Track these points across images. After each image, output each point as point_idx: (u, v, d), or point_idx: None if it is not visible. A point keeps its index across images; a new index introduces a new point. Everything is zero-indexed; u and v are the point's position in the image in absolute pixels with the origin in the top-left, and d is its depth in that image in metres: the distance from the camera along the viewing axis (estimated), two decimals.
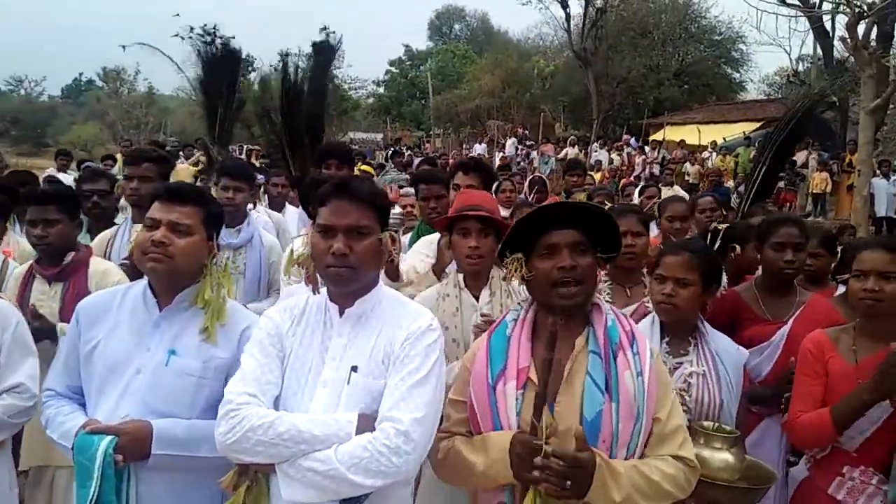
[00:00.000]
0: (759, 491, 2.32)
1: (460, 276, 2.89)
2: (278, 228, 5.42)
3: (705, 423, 2.35)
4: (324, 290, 2.08)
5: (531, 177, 9.76)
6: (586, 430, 1.80)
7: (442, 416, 2.05)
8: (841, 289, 3.87)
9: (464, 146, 27.88)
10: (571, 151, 20.77)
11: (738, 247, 3.94)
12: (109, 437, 1.97)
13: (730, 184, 15.78)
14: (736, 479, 2.24)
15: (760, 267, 3.35)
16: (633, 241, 3.13)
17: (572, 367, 1.91)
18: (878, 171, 13.89)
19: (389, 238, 2.07)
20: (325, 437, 1.83)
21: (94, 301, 2.29)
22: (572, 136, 23.77)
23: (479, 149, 24.98)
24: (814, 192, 15.98)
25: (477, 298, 2.84)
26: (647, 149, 20.92)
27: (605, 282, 3.20)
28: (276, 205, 6.12)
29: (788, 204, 16.19)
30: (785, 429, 2.74)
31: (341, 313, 2.03)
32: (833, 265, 3.90)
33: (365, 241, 1.96)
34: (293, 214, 5.89)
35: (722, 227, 4.48)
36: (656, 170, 18.51)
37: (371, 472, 1.80)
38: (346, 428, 1.85)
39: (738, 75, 34.30)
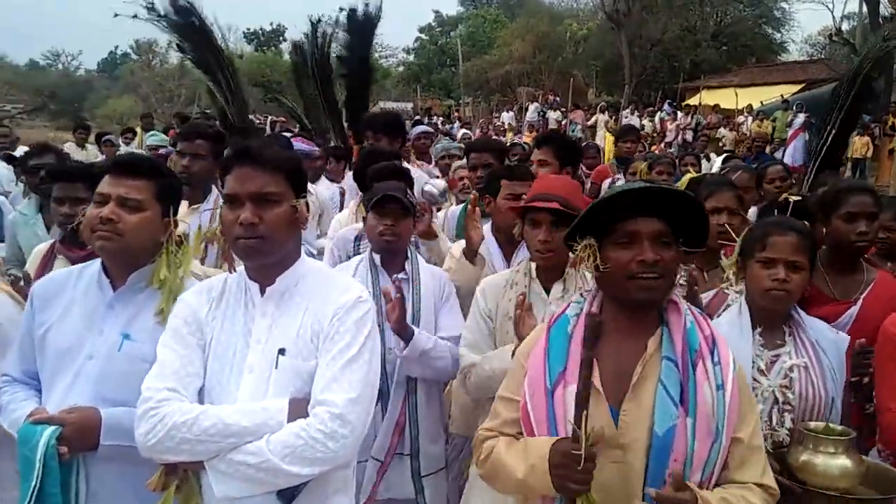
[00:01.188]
0: (890, 501, 2.04)
1: (532, 264, 2.67)
2: (323, 207, 5.26)
3: (811, 425, 2.08)
4: (241, 267, 1.95)
5: (585, 143, 9.49)
6: (656, 446, 1.63)
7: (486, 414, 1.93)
8: None
9: (493, 114, 27.43)
10: (602, 118, 20.28)
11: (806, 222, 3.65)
12: (53, 427, 1.85)
13: (768, 150, 15.18)
14: (855, 484, 1.99)
15: (827, 241, 3.00)
16: (729, 220, 2.88)
17: (642, 373, 1.69)
18: None
19: (305, 204, 1.91)
20: (255, 428, 1.71)
21: (49, 281, 2.18)
22: (602, 103, 23.21)
23: (507, 117, 24.56)
24: (853, 156, 15.32)
25: (548, 291, 2.61)
26: (679, 114, 20.27)
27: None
28: (312, 177, 5.91)
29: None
30: (880, 426, 2.41)
31: (262, 292, 1.89)
32: None
33: (275, 208, 1.82)
34: (327, 189, 5.72)
35: (793, 198, 4.14)
36: (689, 136, 17.95)
37: (307, 461, 1.70)
38: (277, 416, 1.74)
39: (778, 35, 33.13)
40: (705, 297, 2.75)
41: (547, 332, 1.84)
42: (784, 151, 16.15)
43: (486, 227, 3.27)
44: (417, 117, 19.67)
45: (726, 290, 2.64)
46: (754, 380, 2.22)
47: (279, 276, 1.88)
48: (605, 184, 6.44)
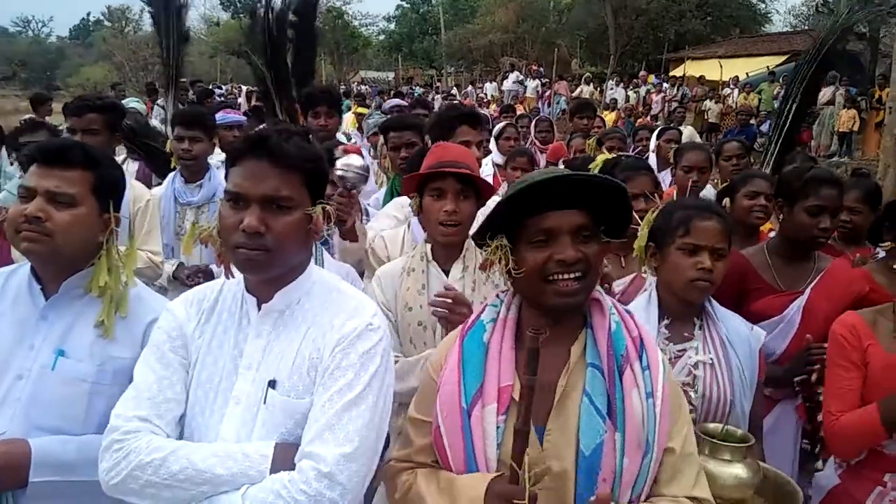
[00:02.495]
0: None
1: (428, 246, 2.42)
2: None
3: (710, 427, 1.92)
4: (241, 275, 1.64)
5: (537, 117, 9.12)
6: (583, 467, 1.44)
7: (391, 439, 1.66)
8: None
9: (476, 84, 26.97)
10: (586, 89, 19.99)
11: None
12: None
13: (753, 122, 15.00)
14: (750, 495, 1.82)
15: (782, 228, 2.84)
16: (645, 206, 2.62)
17: (566, 385, 1.50)
18: None
19: (323, 212, 1.60)
20: (231, 477, 1.44)
21: None
22: (587, 74, 22.87)
23: (490, 88, 24.14)
24: (840, 130, 15.17)
25: (447, 273, 2.36)
26: (665, 86, 19.99)
27: None
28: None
29: (805, 143, 15.45)
30: (825, 434, 2.29)
31: (260, 307, 1.60)
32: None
33: (286, 216, 1.52)
34: None
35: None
36: (671, 108, 17.70)
37: None
38: (259, 464, 1.45)
39: (763, 6, 32.80)
40: (622, 283, 2.56)
41: (460, 342, 1.61)
42: (769, 124, 15.98)
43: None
44: (400, 89, 19.22)
45: (644, 276, 2.46)
46: None
47: (279, 290, 1.59)
48: (561, 163, 6.15)
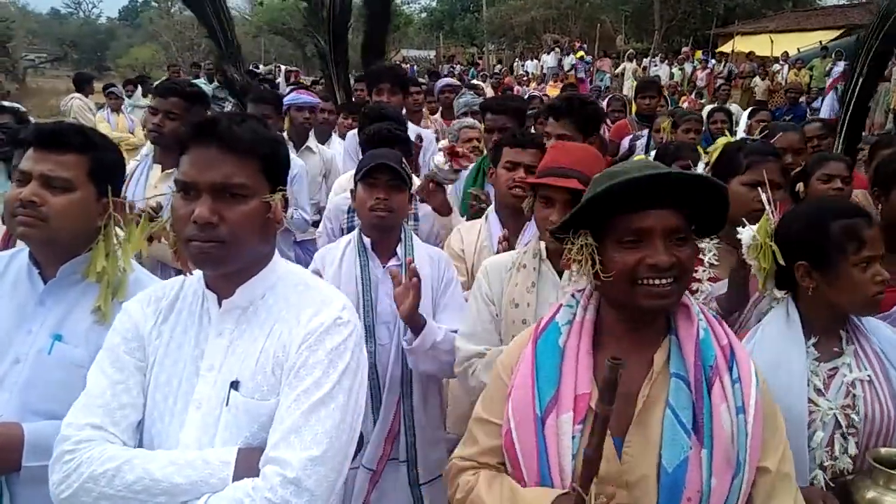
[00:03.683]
0: None
1: (542, 243, 2.32)
2: (327, 167, 5.00)
3: (883, 452, 1.72)
4: (200, 271, 1.56)
5: (610, 95, 8.91)
6: (666, 484, 1.35)
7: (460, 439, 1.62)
8: None
9: (516, 62, 26.60)
10: (629, 66, 19.52)
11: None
12: None
13: (802, 100, 14.44)
14: None
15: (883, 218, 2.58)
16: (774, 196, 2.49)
17: (649, 395, 1.41)
18: None
19: (282, 200, 1.51)
20: (191, 486, 1.35)
21: None
22: (630, 50, 22.31)
23: (531, 66, 23.76)
24: (894, 108, 14.51)
25: (560, 275, 2.26)
26: (712, 62, 19.40)
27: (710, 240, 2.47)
28: (322, 135, 5.61)
29: None
30: None
31: (221, 304, 1.52)
32: None
33: (241, 205, 1.42)
34: (340, 147, 5.35)
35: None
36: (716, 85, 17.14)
37: None
38: (220, 472, 1.37)
39: None
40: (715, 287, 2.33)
41: (533, 345, 1.52)
42: (821, 102, 15.40)
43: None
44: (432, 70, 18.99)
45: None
46: (811, 402, 1.85)
47: (241, 285, 1.50)
48: (625, 141, 6.02)
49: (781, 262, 1.96)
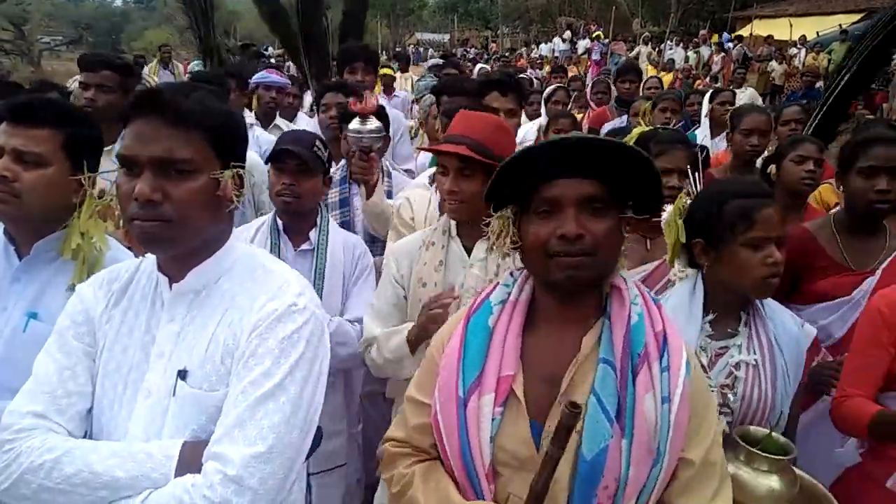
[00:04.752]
0: None
1: (452, 221, 2.25)
2: None
3: (751, 431, 1.75)
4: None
5: (594, 78, 8.77)
6: (583, 472, 1.30)
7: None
8: None
9: (531, 46, 26.37)
10: (644, 50, 19.24)
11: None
12: None
13: (819, 85, 14.18)
14: None
15: (844, 201, 2.62)
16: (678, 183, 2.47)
17: (573, 380, 1.36)
18: None
19: (234, 177, 1.41)
20: (132, 480, 1.27)
21: None
22: (645, 34, 22.01)
23: (545, 49, 23.53)
24: None
25: (468, 252, 2.19)
26: (729, 45, 19.09)
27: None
28: (287, 115, 5.54)
29: (878, 106, 14.57)
30: (831, 409, 2.12)
31: (172, 288, 1.43)
32: None
33: (188, 182, 1.32)
34: (303, 123, 5.31)
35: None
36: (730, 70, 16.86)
37: None
38: (162, 466, 1.28)
39: None
40: (640, 270, 2.33)
41: (464, 323, 1.46)
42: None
43: None
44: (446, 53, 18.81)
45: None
46: None
47: (194, 268, 1.41)
48: (605, 128, 5.86)
49: (683, 239, 1.99)
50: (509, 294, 1.47)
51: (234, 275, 1.44)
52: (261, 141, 4.35)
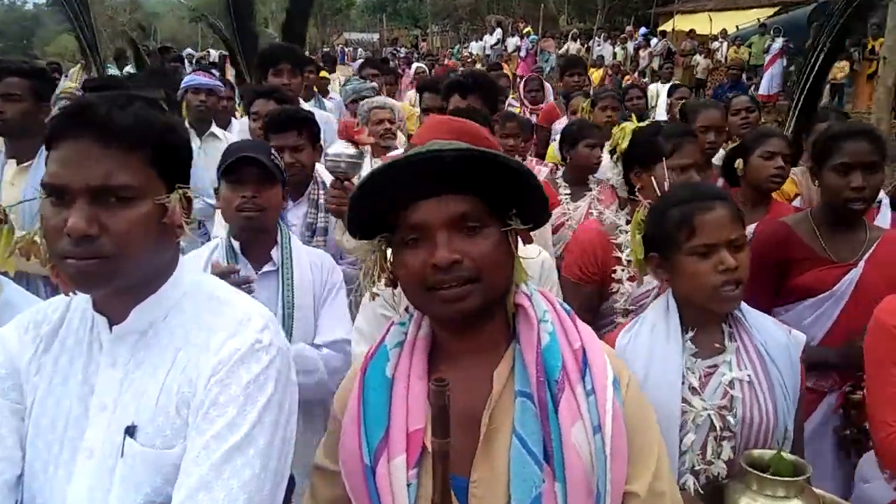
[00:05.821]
0: None
1: None
2: None
3: (755, 454, 1.58)
4: None
5: (526, 76, 8.72)
6: None
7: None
8: (885, 213, 3.06)
9: (462, 44, 26.38)
10: (573, 47, 19.50)
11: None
12: None
13: (743, 78, 14.61)
14: None
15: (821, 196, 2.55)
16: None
17: (492, 420, 1.17)
18: None
19: (182, 199, 1.23)
20: None
21: None
22: (574, 30, 22.31)
23: (476, 47, 23.57)
24: (832, 80, 14.80)
25: None
26: (654, 41, 19.50)
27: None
28: (220, 120, 5.27)
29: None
30: (878, 447, 1.90)
31: (113, 330, 1.24)
32: None
33: (128, 210, 1.14)
34: (237, 129, 5.07)
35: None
36: (656, 64, 17.25)
37: None
38: None
39: None
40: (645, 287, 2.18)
41: (360, 377, 1.24)
42: (761, 78, 15.63)
43: None
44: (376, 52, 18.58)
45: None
46: (685, 401, 1.70)
47: (137, 306, 1.22)
48: (557, 125, 5.79)
49: (640, 255, 1.88)
50: (406, 334, 1.27)
51: (185, 310, 1.25)
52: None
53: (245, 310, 1.26)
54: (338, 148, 2.68)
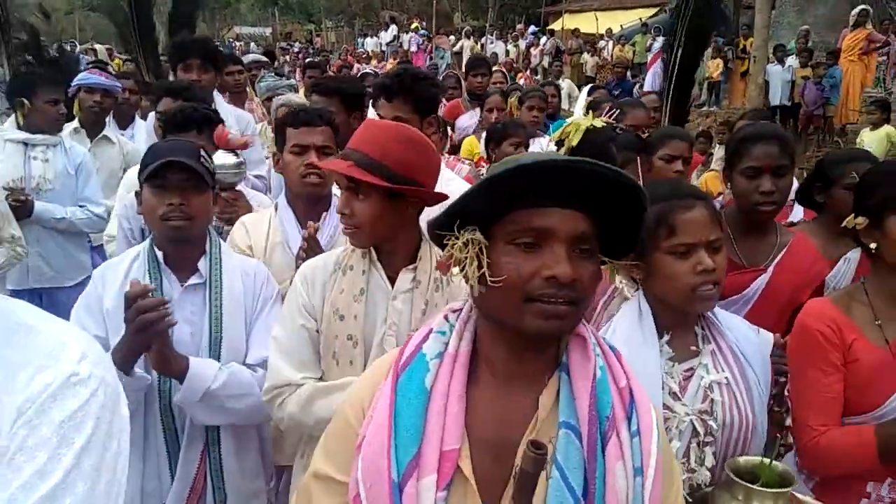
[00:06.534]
0: None
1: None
2: (128, 161, 4.35)
3: (741, 462, 1.52)
4: None
5: (444, 73, 8.70)
6: None
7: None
8: (797, 212, 3.11)
9: (357, 40, 26.13)
10: (467, 44, 19.70)
11: None
12: None
13: (628, 76, 15.20)
14: None
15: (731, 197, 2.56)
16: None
17: None
18: (772, 57, 13.56)
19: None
20: None
21: None
22: (467, 27, 22.53)
23: (371, 43, 23.42)
24: (709, 78, 15.66)
25: (392, 282, 1.89)
26: (543, 39, 19.99)
27: None
28: (123, 118, 5.01)
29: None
30: (801, 450, 1.92)
31: None
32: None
33: None
34: (142, 129, 4.77)
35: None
36: (546, 62, 17.70)
37: None
38: None
39: None
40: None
41: (393, 384, 1.17)
42: (645, 76, 16.29)
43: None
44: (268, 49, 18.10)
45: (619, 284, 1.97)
46: (666, 407, 1.65)
47: None
48: (461, 122, 5.87)
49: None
50: (446, 344, 1.19)
51: None
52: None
53: (58, 338, 1.09)
54: (218, 159, 2.57)
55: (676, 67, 6.05)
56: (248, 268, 2.24)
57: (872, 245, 1.86)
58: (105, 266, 2.20)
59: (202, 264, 2.15)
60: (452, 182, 2.85)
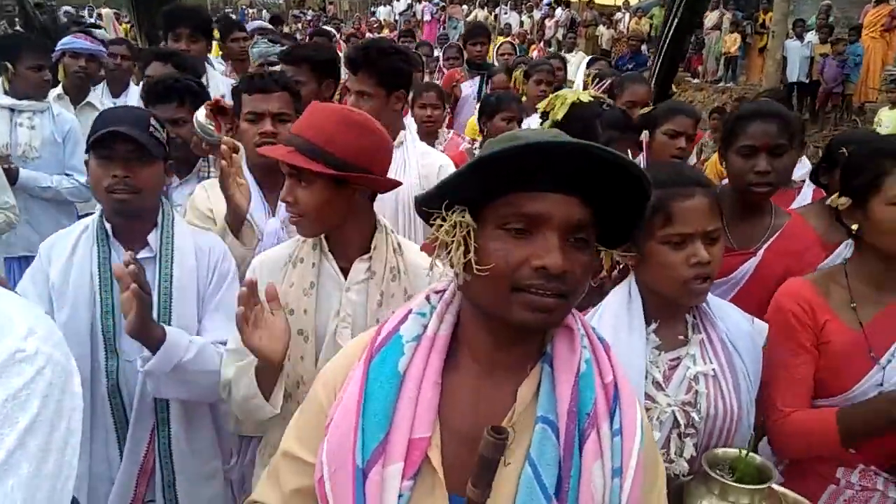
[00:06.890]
0: None
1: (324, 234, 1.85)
2: None
3: (719, 454, 1.50)
4: None
5: (446, 44, 8.57)
6: None
7: None
8: (807, 193, 2.97)
9: (370, 9, 25.78)
10: (481, 14, 19.38)
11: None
12: None
13: (644, 49, 14.88)
14: None
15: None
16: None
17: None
18: (791, 33, 13.19)
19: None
20: None
21: None
22: None
23: (383, 12, 23.08)
24: (726, 53, 15.30)
25: (345, 273, 1.82)
26: (558, 10, 19.61)
27: None
28: (115, 83, 4.93)
29: (695, 69, 15.61)
30: (768, 429, 1.88)
31: None
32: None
33: None
34: (136, 96, 4.65)
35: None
36: (561, 34, 17.36)
37: None
38: None
39: None
40: None
41: (365, 367, 1.12)
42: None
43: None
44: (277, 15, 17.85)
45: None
46: (648, 397, 1.61)
47: None
48: (465, 88, 5.74)
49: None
50: (425, 327, 1.13)
51: None
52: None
53: (4, 312, 1.02)
54: (201, 117, 2.51)
55: (670, 39, 5.90)
56: (202, 243, 2.14)
57: (854, 226, 1.82)
58: (55, 237, 2.11)
59: (152, 238, 2.07)
60: (428, 155, 2.74)
